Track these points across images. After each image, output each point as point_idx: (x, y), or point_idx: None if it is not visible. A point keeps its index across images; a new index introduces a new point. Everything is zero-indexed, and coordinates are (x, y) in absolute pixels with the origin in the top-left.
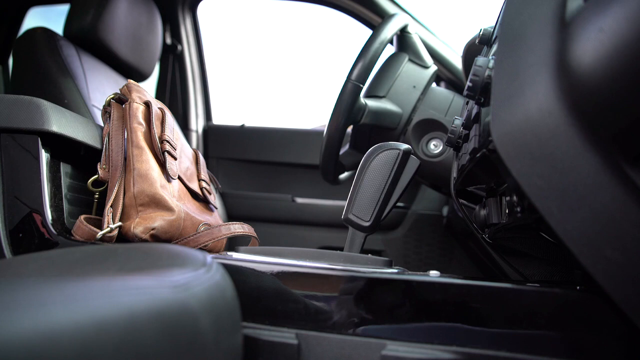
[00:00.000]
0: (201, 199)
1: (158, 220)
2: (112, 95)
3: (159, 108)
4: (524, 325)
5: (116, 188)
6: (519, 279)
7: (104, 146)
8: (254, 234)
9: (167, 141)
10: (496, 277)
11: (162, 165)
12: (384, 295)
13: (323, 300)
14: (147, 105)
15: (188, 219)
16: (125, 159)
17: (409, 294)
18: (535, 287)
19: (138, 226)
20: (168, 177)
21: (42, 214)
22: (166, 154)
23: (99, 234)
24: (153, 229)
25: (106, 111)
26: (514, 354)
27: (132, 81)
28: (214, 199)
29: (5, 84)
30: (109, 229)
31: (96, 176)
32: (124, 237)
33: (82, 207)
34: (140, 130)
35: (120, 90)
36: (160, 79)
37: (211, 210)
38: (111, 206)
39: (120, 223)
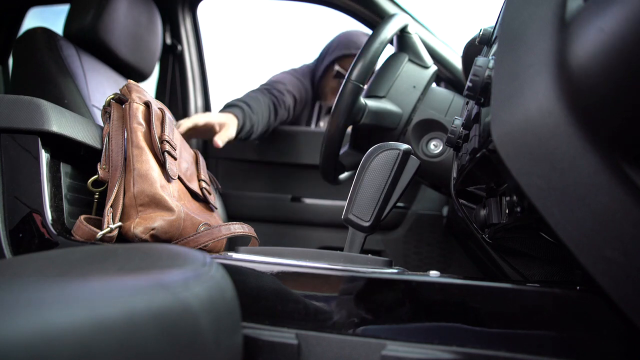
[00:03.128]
0: (201, 199)
1: (158, 221)
2: (112, 96)
3: (158, 108)
4: (524, 325)
5: (116, 188)
6: (519, 279)
7: (104, 146)
8: (254, 234)
9: (167, 141)
10: (496, 277)
11: (162, 165)
12: (384, 295)
13: (323, 300)
14: (147, 105)
15: (188, 219)
16: (125, 159)
17: (409, 294)
18: (535, 287)
19: (138, 226)
20: (168, 178)
21: (42, 214)
22: (166, 154)
23: (98, 234)
24: (153, 229)
25: (106, 111)
26: (514, 354)
27: (132, 81)
28: (214, 199)
29: (5, 84)
30: (108, 229)
31: (96, 176)
32: (124, 237)
33: (82, 207)
34: (140, 131)
35: (120, 90)
36: (160, 79)
37: (211, 210)
38: (111, 206)
39: (120, 223)
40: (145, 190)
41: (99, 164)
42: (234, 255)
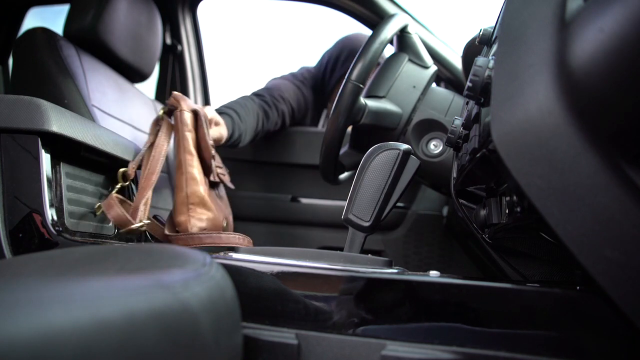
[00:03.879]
0: (217, 184)
1: (204, 220)
2: (164, 109)
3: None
4: (524, 325)
5: (150, 191)
6: (519, 279)
7: (145, 150)
8: (250, 245)
9: (213, 146)
10: (496, 277)
11: (207, 167)
12: (384, 295)
13: (323, 300)
14: (195, 113)
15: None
16: (167, 165)
17: (409, 294)
18: (535, 287)
19: (194, 227)
20: (208, 176)
21: (42, 214)
22: (212, 159)
23: (134, 225)
24: (205, 228)
25: (158, 123)
26: (513, 354)
27: (176, 92)
28: (228, 179)
29: (5, 84)
30: (141, 223)
31: (125, 169)
32: (179, 231)
33: (82, 207)
34: (191, 138)
35: (167, 102)
36: (160, 79)
37: (221, 197)
38: (144, 204)
39: (148, 221)
40: (196, 191)
41: (131, 162)
42: (234, 255)
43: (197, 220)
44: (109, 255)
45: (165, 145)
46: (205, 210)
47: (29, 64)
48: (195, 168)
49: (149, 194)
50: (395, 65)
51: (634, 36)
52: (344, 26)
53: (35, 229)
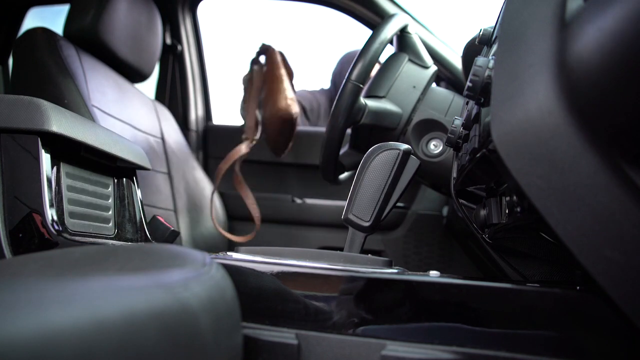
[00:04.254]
0: None
1: (297, 108)
2: (257, 52)
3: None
4: (524, 325)
5: (256, 108)
6: (519, 279)
7: (246, 80)
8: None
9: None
10: (496, 277)
11: (291, 86)
12: (384, 295)
13: (323, 300)
14: (281, 54)
15: None
16: (265, 89)
17: (409, 294)
18: (535, 287)
19: (294, 109)
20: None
21: (42, 214)
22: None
23: (256, 135)
24: (299, 112)
25: (253, 61)
26: (514, 354)
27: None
28: None
29: (5, 84)
30: (256, 139)
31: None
32: (280, 115)
33: (82, 207)
34: (282, 66)
35: (260, 48)
36: (160, 79)
37: None
38: (255, 123)
39: (258, 135)
40: (289, 94)
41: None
42: (234, 255)
43: (294, 106)
44: (109, 255)
45: (260, 77)
46: (296, 105)
47: (29, 64)
48: (285, 82)
49: (256, 109)
50: (395, 65)
51: (633, 36)
52: (345, 26)
53: (35, 229)
